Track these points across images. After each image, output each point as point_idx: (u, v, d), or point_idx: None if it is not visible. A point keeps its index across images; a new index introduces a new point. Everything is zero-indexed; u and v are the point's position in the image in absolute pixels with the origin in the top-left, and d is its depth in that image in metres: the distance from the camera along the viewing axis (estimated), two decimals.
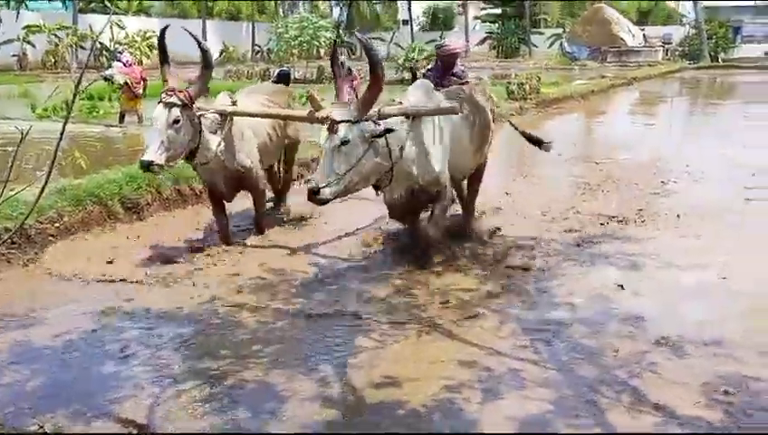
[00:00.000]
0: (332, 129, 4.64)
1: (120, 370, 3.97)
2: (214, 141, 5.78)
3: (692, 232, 6.55)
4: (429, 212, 5.72)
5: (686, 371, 3.87)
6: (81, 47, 29.66)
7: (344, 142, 4.62)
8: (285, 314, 4.78)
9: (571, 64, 36.98)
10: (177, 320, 4.68)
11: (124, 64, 13.65)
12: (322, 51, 29.37)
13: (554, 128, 15.03)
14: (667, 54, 41.71)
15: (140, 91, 13.58)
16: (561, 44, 42.74)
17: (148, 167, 5.32)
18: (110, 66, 15.59)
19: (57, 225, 6.24)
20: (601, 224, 6.84)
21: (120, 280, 5.40)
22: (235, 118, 5.95)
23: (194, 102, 5.55)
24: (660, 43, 43.38)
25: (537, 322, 4.60)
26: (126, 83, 13.36)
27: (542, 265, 5.69)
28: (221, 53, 42.08)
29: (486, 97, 6.59)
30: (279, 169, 7.50)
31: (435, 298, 5.01)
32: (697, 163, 9.94)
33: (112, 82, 13.65)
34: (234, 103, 6.03)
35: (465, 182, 6.49)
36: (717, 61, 39.46)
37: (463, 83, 6.43)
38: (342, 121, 4.65)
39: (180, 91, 5.49)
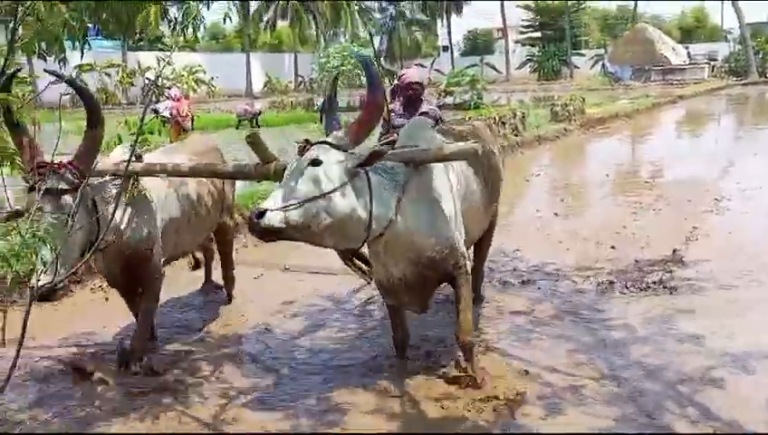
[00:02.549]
0: (303, 150, 3.49)
1: None
2: (116, 216, 3.81)
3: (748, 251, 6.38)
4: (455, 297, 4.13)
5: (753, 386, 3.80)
6: (131, 84, 30.53)
7: (315, 163, 3.39)
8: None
9: (613, 85, 36.68)
10: None
11: (172, 99, 14.04)
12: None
13: (601, 148, 14.90)
14: (712, 71, 41.07)
15: (189, 124, 13.94)
16: (602, 65, 42.46)
17: (47, 296, 3.40)
18: (158, 101, 16.04)
19: None
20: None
21: None
22: (142, 181, 4.26)
23: (85, 177, 3.60)
24: (705, 61, 42.79)
25: (594, 341, 4.55)
26: (176, 117, 13.73)
27: (594, 287, 5.63)
28: (265, 85, 43.04)
29: (494, 138, 5.33)
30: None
31: (488, 321, 4.99)
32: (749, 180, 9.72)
33: (160, 116, 14.04)
34: (138, 158, 4.21)
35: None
36: (765, 76, 38.69)
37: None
38: (319, 143, 3.51)
39: (61, 166, 3.60)
